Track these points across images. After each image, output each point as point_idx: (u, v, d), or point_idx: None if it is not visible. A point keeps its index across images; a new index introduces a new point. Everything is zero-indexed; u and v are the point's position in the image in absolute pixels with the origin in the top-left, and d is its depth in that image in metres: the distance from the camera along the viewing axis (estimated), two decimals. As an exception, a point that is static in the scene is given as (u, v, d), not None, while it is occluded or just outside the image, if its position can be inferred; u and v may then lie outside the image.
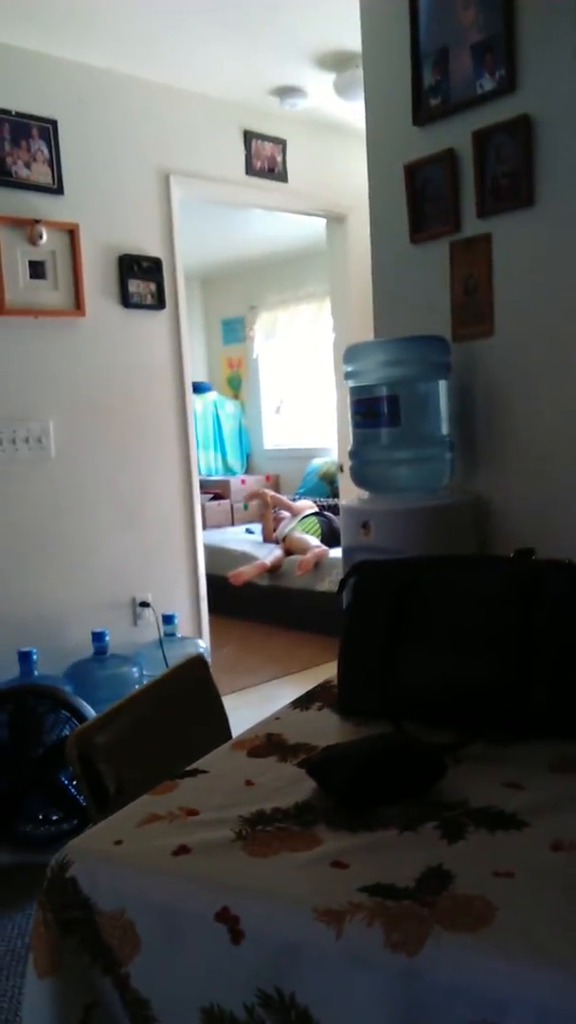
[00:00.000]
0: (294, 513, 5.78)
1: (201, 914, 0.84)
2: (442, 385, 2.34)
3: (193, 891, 0.86)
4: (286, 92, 3.61)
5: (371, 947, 0.76)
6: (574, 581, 1.24)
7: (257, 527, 6.11)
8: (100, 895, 0.90)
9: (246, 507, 6.04)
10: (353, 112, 3.67)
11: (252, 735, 1.25)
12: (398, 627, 1.28)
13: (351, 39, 3.02)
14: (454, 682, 1.22)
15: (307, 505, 5.92)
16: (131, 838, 0.96)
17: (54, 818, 2.61)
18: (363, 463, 2.38)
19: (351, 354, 2.39)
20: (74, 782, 2.54)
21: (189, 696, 1.52)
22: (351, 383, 2.38)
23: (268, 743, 1.21)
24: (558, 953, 0.71)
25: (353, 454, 2.39)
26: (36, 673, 2.86)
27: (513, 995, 0.70)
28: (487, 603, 1.26)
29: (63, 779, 2.53)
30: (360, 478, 2.40)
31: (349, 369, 2.39)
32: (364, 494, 2.42)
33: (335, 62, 3.34)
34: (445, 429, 2.34)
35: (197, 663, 1.58)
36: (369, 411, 2.32)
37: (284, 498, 6.05)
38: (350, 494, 2.53)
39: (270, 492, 6.01)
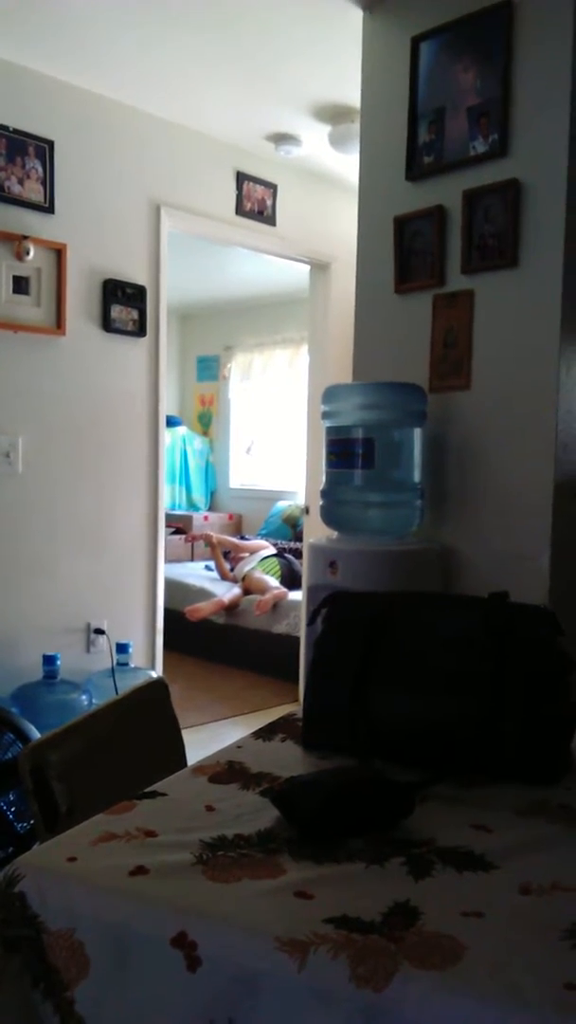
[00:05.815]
0: (240, 552, 5.74)
1: (156, 938, 0.80)
2: (417, 433, 2.36)
3: (149, 913, 0.82)
4: (281, 139, 3.69)
5: (336, 980, 0.73)
6: (548, 626, 1.24)
7: (218, 564, 6.06)
8: (49, 913, 0.85)
9: (207, 545, 6.00)
10: (345, 164, 3.76)
11: (213, 761, 1.21)
12: (369, 662, 1.27)
13: (349, 93, 3.11)
14: (423, 721, 1.21)
15: (261, 545, 5.89)
16: (86, 855, 0.91)
17: (-14, 845, 2.51)
18: (334, 503, 2.38)
19: (330, 394, 2.41)
20: (12, 809, 2.44)
21: (147, 719, 1.48)
22: (328, 423, 2.39)
23: (229, 770, 1.18)
24: (529, 995, 0.69)
25: (324, 493, 2.39)
26: (-19, 693, 2.78)
27: (482, 1036, 0.68)
28: (460, 643, 1.25)
29: (1, 805, 2.44)
30: (329, 517, 2.40)
31: (327, 409, 2.40)
32: (332, 534, 2.42)
33: (332, 114, 3.42)
34: (417, 476, 2.36)
35: (157, 686, 1.54)
36: (344, 452, 2.33)
37: (230, 539, 6.01)
38: (315, 536, 2.53)
39: (214, 534, 5.97)
